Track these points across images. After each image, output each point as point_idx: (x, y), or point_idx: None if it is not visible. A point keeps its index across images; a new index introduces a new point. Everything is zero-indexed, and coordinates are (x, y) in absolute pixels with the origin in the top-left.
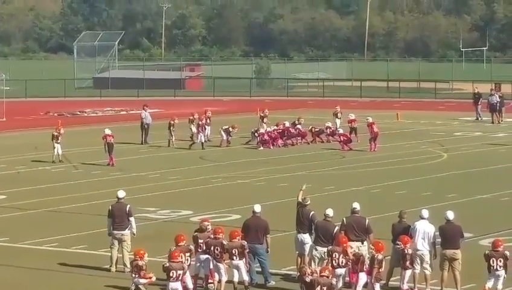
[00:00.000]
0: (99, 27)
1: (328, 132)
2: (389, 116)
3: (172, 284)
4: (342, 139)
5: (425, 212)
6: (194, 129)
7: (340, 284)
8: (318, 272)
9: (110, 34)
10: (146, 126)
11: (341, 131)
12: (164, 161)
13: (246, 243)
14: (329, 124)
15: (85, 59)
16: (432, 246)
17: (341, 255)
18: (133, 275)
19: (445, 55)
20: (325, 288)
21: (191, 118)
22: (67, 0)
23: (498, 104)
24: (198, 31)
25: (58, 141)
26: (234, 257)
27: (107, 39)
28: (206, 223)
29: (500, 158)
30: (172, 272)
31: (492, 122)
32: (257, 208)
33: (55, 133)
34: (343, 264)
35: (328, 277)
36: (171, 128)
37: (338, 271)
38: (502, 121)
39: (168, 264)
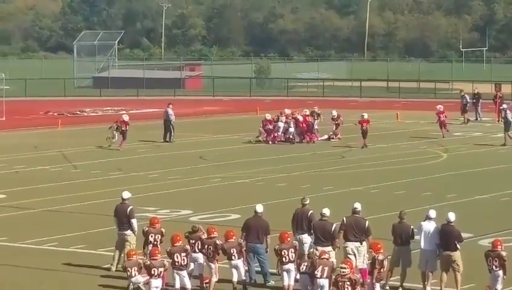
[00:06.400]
0: (99, 26)
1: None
2: (388, 116)
3: (154, 282)
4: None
5: (432, 213)
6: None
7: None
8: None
9: (110, 33)
10: (172, 125)
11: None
12: (163, 161)
13: (242, 240)
14: (286, 111)
15: (85, 58)
16: (436, 246)
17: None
18: (134, 274)
19: (445, 56)
20: (326, 269)
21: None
22: None
23: (469, 104)
24: (198, 30)
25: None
26: (233, 257)
27: (107, 38)
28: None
29: (499, 158)
30: (154, 270)
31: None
32: (259, 208)
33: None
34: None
35: (327, 259)
36: None
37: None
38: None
39: (149, 262)
